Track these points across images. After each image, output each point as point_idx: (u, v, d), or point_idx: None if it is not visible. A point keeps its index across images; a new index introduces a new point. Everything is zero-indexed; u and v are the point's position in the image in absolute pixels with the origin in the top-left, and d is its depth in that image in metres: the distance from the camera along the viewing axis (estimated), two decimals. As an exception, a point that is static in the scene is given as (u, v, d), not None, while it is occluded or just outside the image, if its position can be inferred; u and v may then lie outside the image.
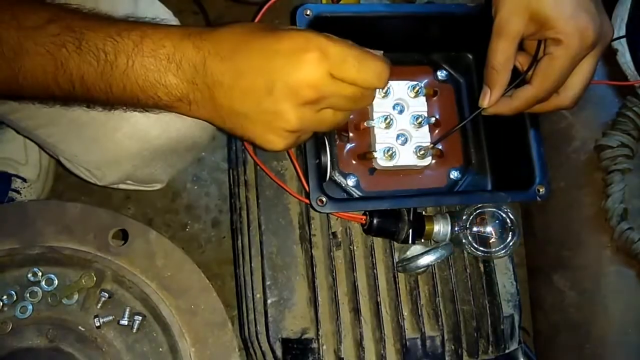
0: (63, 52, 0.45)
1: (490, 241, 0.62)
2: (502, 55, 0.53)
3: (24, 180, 0.92)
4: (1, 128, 0.95)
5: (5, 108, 0.63)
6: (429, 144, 0.64)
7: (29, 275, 0.57)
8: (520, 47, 0.55)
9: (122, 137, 0.61)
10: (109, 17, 0.48)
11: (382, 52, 0.50)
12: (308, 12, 0.59)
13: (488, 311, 0.64)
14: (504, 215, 0.62)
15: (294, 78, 0.45)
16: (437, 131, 0.68)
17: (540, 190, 0.60)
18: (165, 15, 0.66)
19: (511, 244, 0.61)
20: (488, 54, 0.54)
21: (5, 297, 0.57)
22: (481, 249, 0.62)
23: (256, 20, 0.62)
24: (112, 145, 0.61)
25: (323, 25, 0.61)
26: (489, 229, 0.62)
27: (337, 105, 0.48)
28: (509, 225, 0.62)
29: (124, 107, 0.51)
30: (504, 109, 0.55)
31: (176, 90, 0.47)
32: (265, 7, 0.63)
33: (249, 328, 0.68)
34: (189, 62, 0.46)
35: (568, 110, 0.57)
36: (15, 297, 0.57)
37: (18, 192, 0.91)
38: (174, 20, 0.67)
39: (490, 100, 0.55)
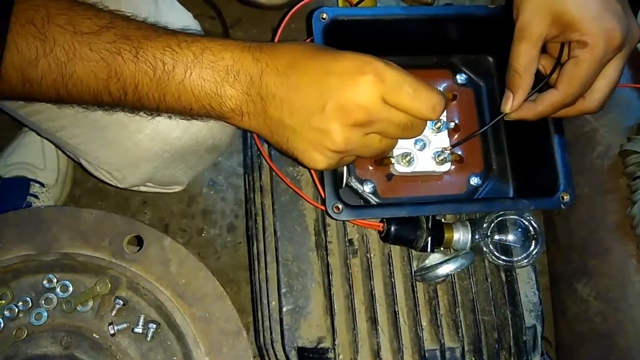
0: (118, 59, 0.46)
1: (512, 250, 0.61)
2: (525, 59, 0.51)
3: (42, 185, 0.92)
4: (20, 133, 0.96)
5: (27, 110, 0.64)
6: (448, 149, 0.62)
7: (44, 281, 0.57)
8: (543, 50, 0.54)
9: (143, 138, 0.61)
10: (165, 28, 0.48)
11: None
12: (324, 16, 0.59)
13: (510, 322, 0.63)
14: (526, 223, 0.60)
15: (347, 98, 0.45)
16: (456, 136, 0.67)
17: (565, 197, 0.58)
18: (186, 17, 0.66)
19: (534, 252, 0.60)
20: (510, 58, 0.53)
21: (20, 303, 0.57)
22: (503, 257, 0.60)
23: (282, 25, 0.61)
24: (134, 147, 0.62)
25: (340, 29, 0.60)
26: (511, 237, 0.60)
27: (385, 132, 0.48)
28: (532, 233, 0.60)
29: (171, 115, 0.51)
30: (527, 114, 0.54)
31: (230, 101, 0.47)
32: (291, 12, 0.62)
33: (264, 336, 0.67)
34: (246, 74, 0.46)
35: (593, 114, 0.55)
36: (30, 303, 0.57)
37: (36, 196, 0.91)
38: (195, 24, 0.67)
39: (513, 105, 0.53)
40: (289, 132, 0.48)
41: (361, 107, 0.45)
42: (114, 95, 0.47)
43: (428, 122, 0.62)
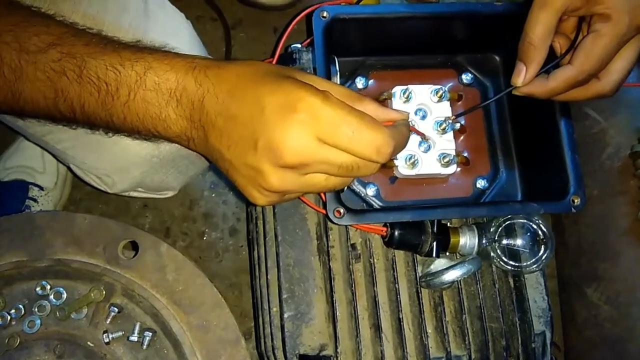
0: (63, 79, 0.44)
1: (521, 255, 0.59)
2: (542, 28, 0.48)
3: (41, 188, 0.92)
4: (19, 136, 0.95)
5: None
6: (453, 151, 0.60)
7: (38, 288, 0.56)
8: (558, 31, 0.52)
9: (131, 142, 0.60)
10: (114, 43, 0.47)
11: (407, 114, 0.46)
12: (325, 14, 0.58)
13: (518, 329, 0.61)
14: (535, 227, 0.59)
15: (278, 138, 0.41)
16: (462, 138, 0.65)
17: (575, 200, 0.57)
18: (177, 17, 0.64)
19: (544, 257, 0.58)
20: (526, 27, 0.49)
21: (13, 311, 0.56)
22: (511, 263, 0.59)
23: (287, 30, 0.60)
24: (122, 152, 0.61)
25: (341, 27, 0.58)
26: (519, 241, 0.58)
27: (328, 172, 0.44)
28: (541, 237, 0.58)
29: (126, 135, 0.50)
30: (538, 90, 0.51)
31: (175, 126, 0.45)
32: (297, 19, 0.60)
33: (265, 342, 0.66)
34: (188, 99, 0.44)
35: (608, 97, 0.52)
36: (23, 311, 0.56)
37: (35, 200, 0.90)
38: (187, 23, 0.66)
39: (525, 79, 0.50)
40: (227, 165, 0.45)
41: (292, 149, 0.41)
42: (64, 113, 0.46)
43: (433, 122, 0.61)
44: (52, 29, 0.45)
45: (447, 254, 0.60)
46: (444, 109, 0.61)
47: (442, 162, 0.60)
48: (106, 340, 0.55)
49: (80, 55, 0.44)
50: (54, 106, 0.46)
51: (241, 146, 0.43)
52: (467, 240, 0.58)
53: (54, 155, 0.75)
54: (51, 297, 0.56)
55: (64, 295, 0.56)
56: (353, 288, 0.60)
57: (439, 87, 0.61)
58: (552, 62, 0.50)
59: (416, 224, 0.57)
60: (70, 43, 0.45)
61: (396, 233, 0.57)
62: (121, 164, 0.62)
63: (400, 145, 0.44)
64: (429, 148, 0.61)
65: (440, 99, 0.61)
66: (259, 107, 0.42)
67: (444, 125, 0.60)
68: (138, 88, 0.44)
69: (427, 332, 0.59)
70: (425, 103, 0.61)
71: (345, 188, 0.57)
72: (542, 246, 0.58)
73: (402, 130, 0.45)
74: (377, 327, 0.59)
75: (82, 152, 0.63)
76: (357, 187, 0.62)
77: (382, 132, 0.42)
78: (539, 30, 0.48)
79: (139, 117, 0.45)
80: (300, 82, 0.42)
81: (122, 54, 0.45)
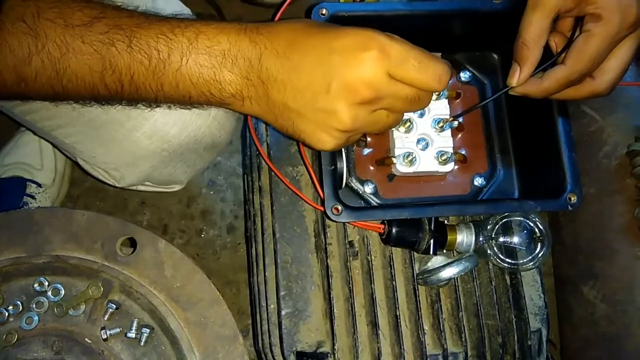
0: (112, 50, 0.45)
1: (517, 252, 0.59)
2: (535, 30, 0.49)
3: (39, 185, 0.91)
4: (17, 133, 0.95)
5: (23, 108, 0.63)
6: (451, 149, 0.61)
7: (35, 285, 0.56)
8: (556, 29, 0.52)
9: (140, 136, 0.60)
10: (156, 15, 0.47)
11: (439, 54, 0.48)
12: (324, 12, 0.58)
13: (514, 326, 0.62)
14: (532, 225, 0.59)
15: (352, 76, 0.44)
16: (460, 135, 0.65)
17: (572, 198, 0.57)
18: (184, 11, 0.65)
19: (540, 255, 0.58)
20: (520, 28, 0.50)
21: (11, 307, 0.55)
22: (508, 260, 0.59)
23: (278, 14, 0.60)
24: (131, 145, 0.61)
25: (339, 25, 0.58)
26: (516, 239, 0.59)
27: (392, 107, 0.48)
28: (538, 235, 0.59)
29: (171, 105, 0.50)
30: (532, 90, 0.52)
31: (230, 86, 0.46)
32: (283, 7, 0.60)
33: (262, 339, 0.66)
34: (244, 58, 0.45)
35: (603, 96, 0.53)
36: (21, 307, 0.56)
37: (33, 197, 0.90)
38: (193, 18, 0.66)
39: (519, 79, 0.51)
40: (294, 115, 0.47)
41: (367, 84, 0.44)
42: (110, 87, 0.46)
43: (430, 120, 0.61)
44: (93, 4, 0.46)
45: (444, 251, 0.60)
46: (442, 107, 0.62)
47: (440, 160, 0.60)
48: (104, 336, 0.55)
49: (128, 26, 0.45)
50: (101, 80, 0.46)
51: (310, 92, 0.45)
52: (464, 238, 0.58)
53: (61, 150, 0.74)
54: (49, 293, 0.56)
55: (62, 292, 0.56)
56: (350, 285, 0.60)
57: (437, 85, 0.62)
58: (548, 61, 0.51)
59: (414, 221, 0.58)
60: (115, 16, 0.45)
61: (394, 230, 0.57)
62: (130, 157, 0.62)
63: (450, 75, 0.48)
64: (426, 146, 0.61)
65: (439, 96, 0.62)
66: (327, 51, 0.44)
67: (441, 123, 0.60)
68: (190, 53, 0.45)
69: (424, 329, 0.59)
70: (423, 101, 0.61)
71: (344, 185, 0.58)
72: (539, 244, 0.59)
73: (448, 63, 0.48)
74: (374, 324, 0.59)
75: (91, 146, 0.63)
76: (355, 185, 0.62)
77: (441, 61, 0.46)
78: (532, 31, 0.49)
79: (192, 82, 0.46)
80: (360, 28, 0.45)
81: (171, 22, 0.46)
